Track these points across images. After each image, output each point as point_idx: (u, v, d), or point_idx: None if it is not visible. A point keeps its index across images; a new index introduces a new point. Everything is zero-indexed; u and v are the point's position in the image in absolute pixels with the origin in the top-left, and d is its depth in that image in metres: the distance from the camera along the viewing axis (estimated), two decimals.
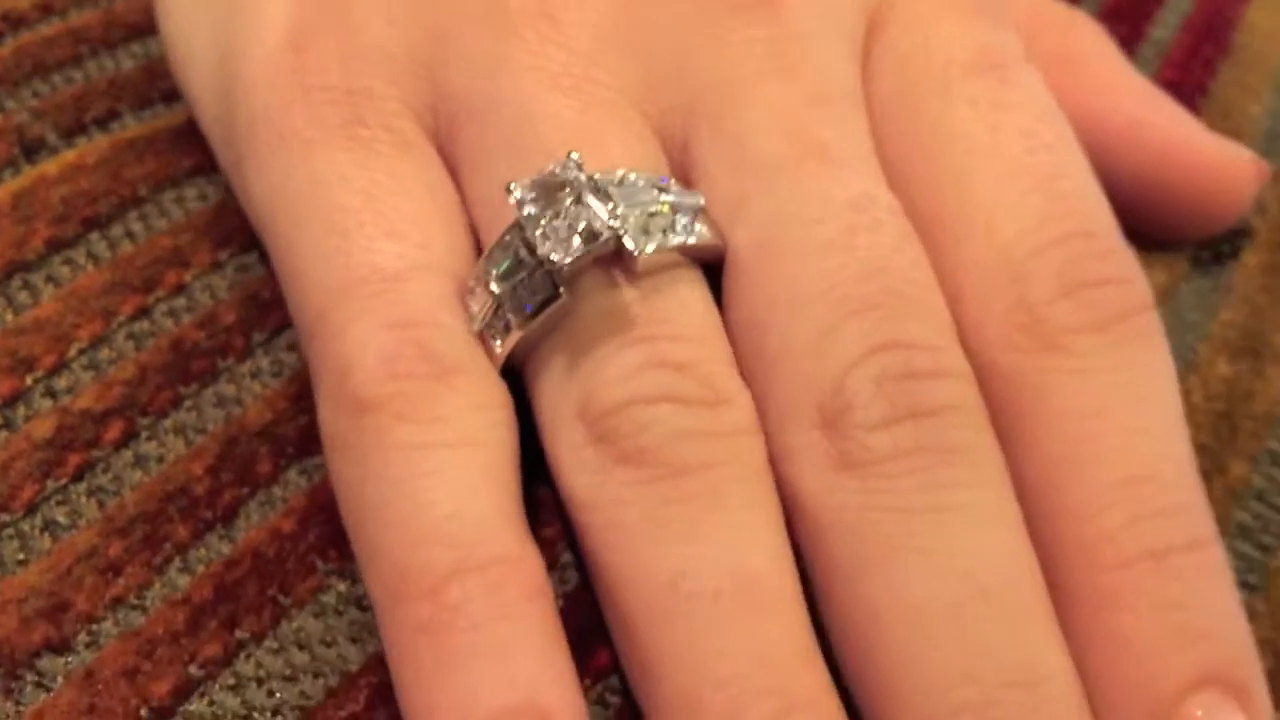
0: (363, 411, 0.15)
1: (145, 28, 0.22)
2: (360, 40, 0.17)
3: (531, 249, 0.15)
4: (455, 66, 0.17)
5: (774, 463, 0.15)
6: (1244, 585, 0.17)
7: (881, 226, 0.16)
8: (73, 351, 0.17)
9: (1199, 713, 0.14)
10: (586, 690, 0.15)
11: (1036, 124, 0.17)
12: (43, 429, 0.16)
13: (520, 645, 0.14)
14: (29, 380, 0.16)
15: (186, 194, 0.19)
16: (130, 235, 0.18)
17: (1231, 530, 0.17)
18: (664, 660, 0.14)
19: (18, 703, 0.13)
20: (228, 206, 0.19)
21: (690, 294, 0.16)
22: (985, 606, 0.14)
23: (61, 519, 0.15)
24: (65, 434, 0.16)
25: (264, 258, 0.18)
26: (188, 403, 0.16)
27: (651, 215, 0.16)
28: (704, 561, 0.14)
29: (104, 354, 0.17)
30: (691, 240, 0.16)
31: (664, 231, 0.16)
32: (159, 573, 0.15)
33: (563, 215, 0.15)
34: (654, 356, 0.15)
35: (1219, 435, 0.18)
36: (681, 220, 0.16)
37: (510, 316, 0.15)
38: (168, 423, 0.16)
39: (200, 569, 0.15)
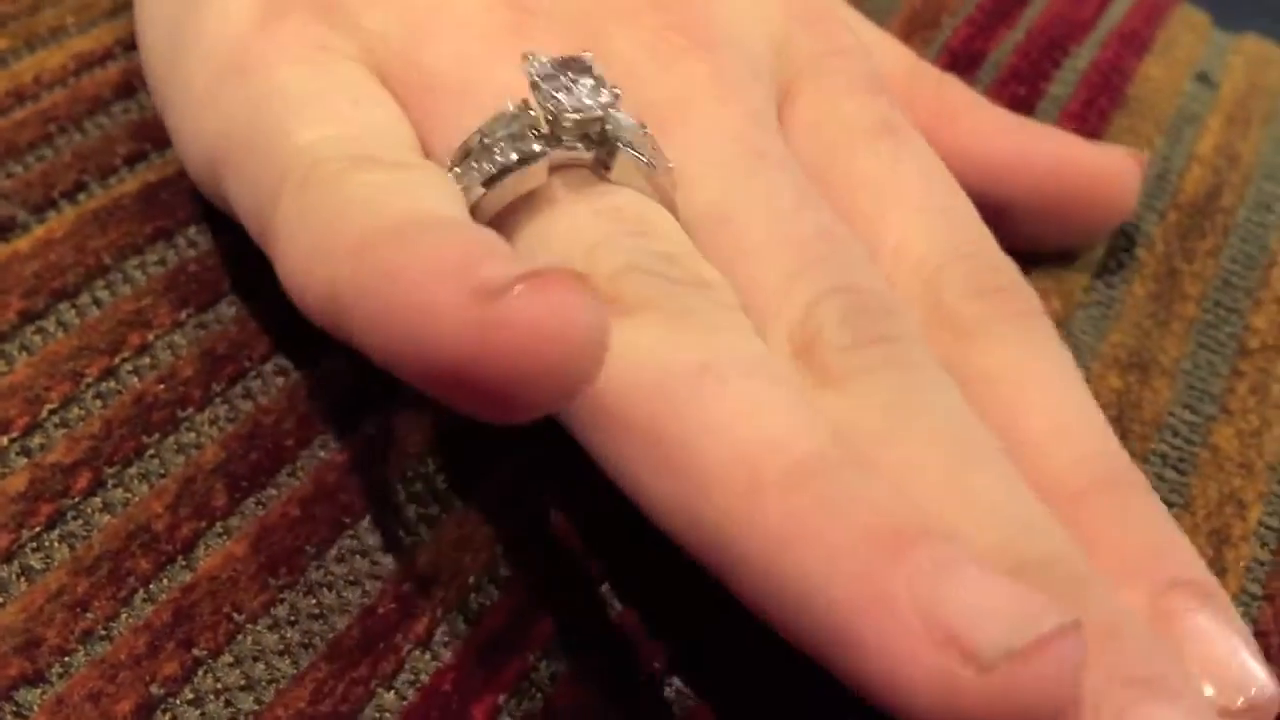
0: (330, 180, 0.16)
1: (108, 98, 0.24)
2: (332, 15, 0.18)
3: (529, 113, 0.17)
4: (428, 50, 0.18)
5: None
6: None
7: (823, 207, 0.18)
8: (44, 412, 0.18)
9: (1179, 604, 0.15)
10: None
11: (929, 173, 0.20)
12: (17, 483, 0.17)
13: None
14: (4, 440, 0.18)
15: (148, 259, 0.21)
16: (96, 302, 0.20)
17: None
18: (706, 433, 0.14)
19: None
20: (186, 269, 0.21)
21: (659, 206, 0.17)
22: (983, 471, 0.15)
23: (35, 564, 0.16)
24: (38, 486, 0.17)
25: (219, 315, 0.20)
26: (150, 451, 0.18)
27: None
28: (728, 351, 0.15)
29: (74, 412, 0.18)
30: (661, 167, 0.17)
31: (638, 151, 0.17)
32: (124, 604, 0.16)
33: (571, 85, 0.17)
34: (647, 246, 0.16)
35: None
36: (649, 149, 0.17)
37: (488, 164, 0.16)
38: (132, 470, 0.18)
39: (162, 597, 0.16)
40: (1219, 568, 0.18)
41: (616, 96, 0.17)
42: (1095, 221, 0.22)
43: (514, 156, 0.16)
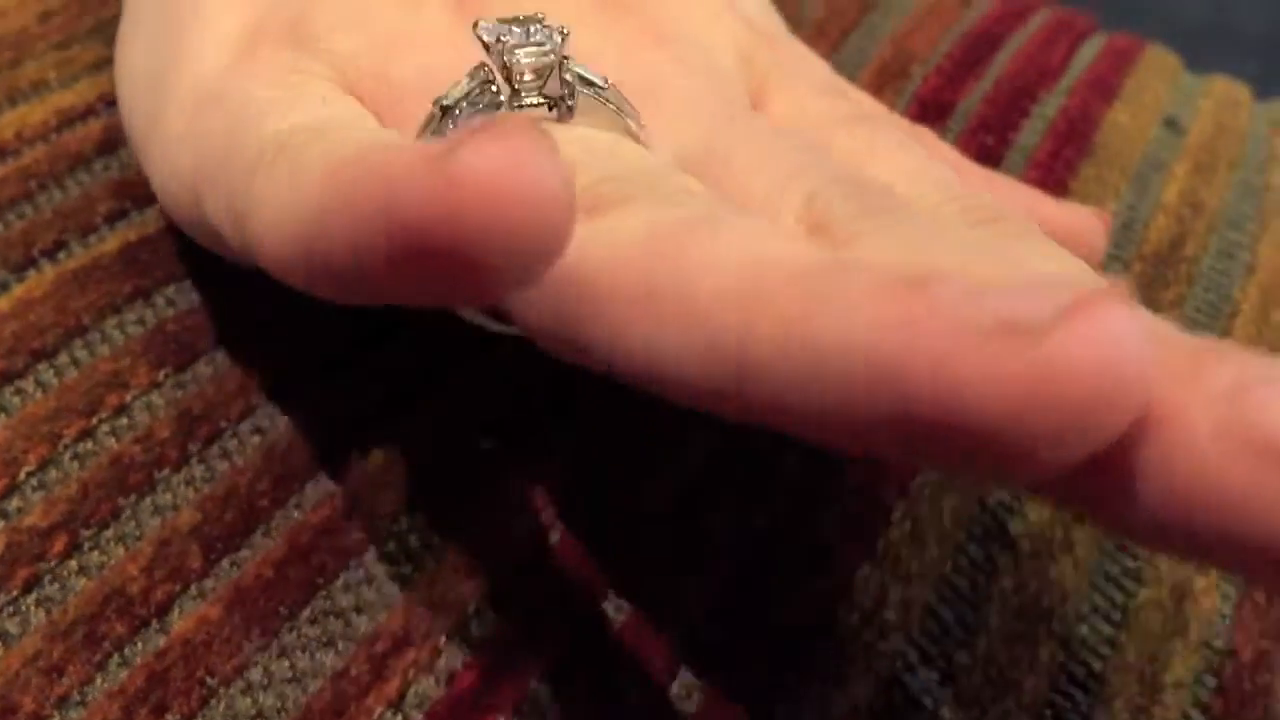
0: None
1: (89, 155, 0.24)
2: (304, 43, 0.19)
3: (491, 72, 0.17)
4: (397, 64, 0.19)
5: None
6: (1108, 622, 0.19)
7: (813, 144, 0.18)
8: (22, 475, 0.18)
9: None
10: None
11: (909, 145, 0.19)
12: None
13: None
14: None
15: (126, 319, 0.21)
16: (75, 362, 0.20)
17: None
18: (704, 268, 0.13)
19: None
20: (164, 329, 0.21)
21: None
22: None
23: (12, 629, 0.17)
24: (14, 550, 0.17)
25: (196, 374, 0.20)
26: (127, 513, 0.18)
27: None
28: (721, 208, 0.15)
29: (51, 475, 0.18)
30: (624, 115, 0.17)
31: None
32: (100, 669, 0.16)
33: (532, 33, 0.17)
34: (623, 166, 0.16)
35: None
36: (613, 95, 0.17)
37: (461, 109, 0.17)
38: (109, 533, 0.18)
39: (137, 661, 0.16)
40: None
41: (565, 35, 0.17)
42: None
43: (479, 102, 0.17)
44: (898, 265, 0.12)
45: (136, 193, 0.23)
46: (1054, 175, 0.27)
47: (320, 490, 0.19)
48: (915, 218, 0.15)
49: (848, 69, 0.29)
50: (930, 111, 0.28)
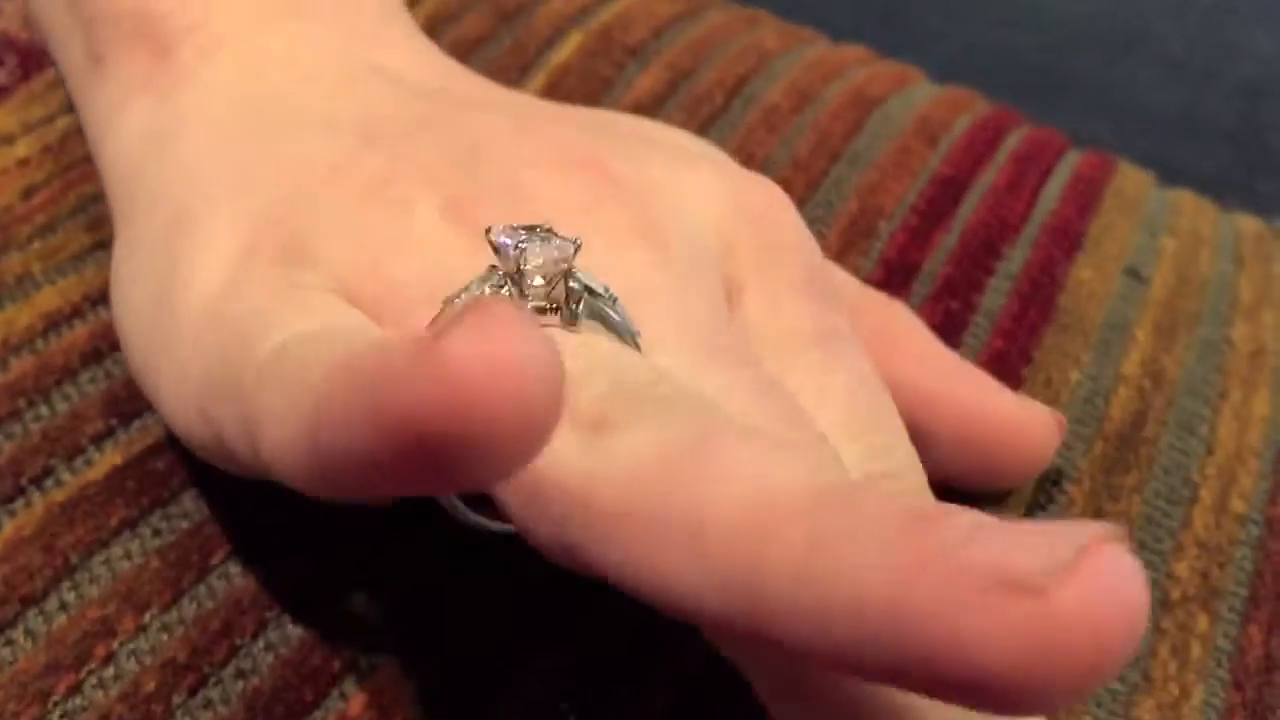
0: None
1: (74, 365, 0.25)
2: (299, 255, 0.19)
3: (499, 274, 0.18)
4: (400, 269, 0.19)
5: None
6: None
7: (783, 402, 0.19)
8: None
9: None
10: None
11: (859, 388, 0.20)
12: None
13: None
14: None
15: (113, 555, 0.22)
16: (64, 606, 0.21)
17: None
18: (714, 489, 0.14)
19: None
20: (149, 565, 0.21)
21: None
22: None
23: None
24: None
25: (181, 614, 0.21)
26: None
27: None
28: (727, 420, 0.16)
29: None
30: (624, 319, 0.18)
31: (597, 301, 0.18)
32: None
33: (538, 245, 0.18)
34: (623, 371, 0.17)
35: None
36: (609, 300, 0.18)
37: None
38: None
39: None
40: None
41: (578, 248, 0.18)
42: (1011, 469, 0.23)
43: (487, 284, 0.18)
44: (902, 498, 0.13)
45: (123, 409, 0.24)
46: (1018, 343, 0.27)
47: None
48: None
49: (816, 226, 0.29)
50: (896, 275, 0.29)
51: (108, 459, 0.23)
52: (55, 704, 0.20)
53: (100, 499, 0.22)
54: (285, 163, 0.21)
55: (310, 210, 0.20)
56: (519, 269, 0.18)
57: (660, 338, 0.19)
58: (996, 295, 0.28)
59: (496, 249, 0.18)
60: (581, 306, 0.18)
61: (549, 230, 0.18)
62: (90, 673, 0.20)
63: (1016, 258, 0.29)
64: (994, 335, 0.27)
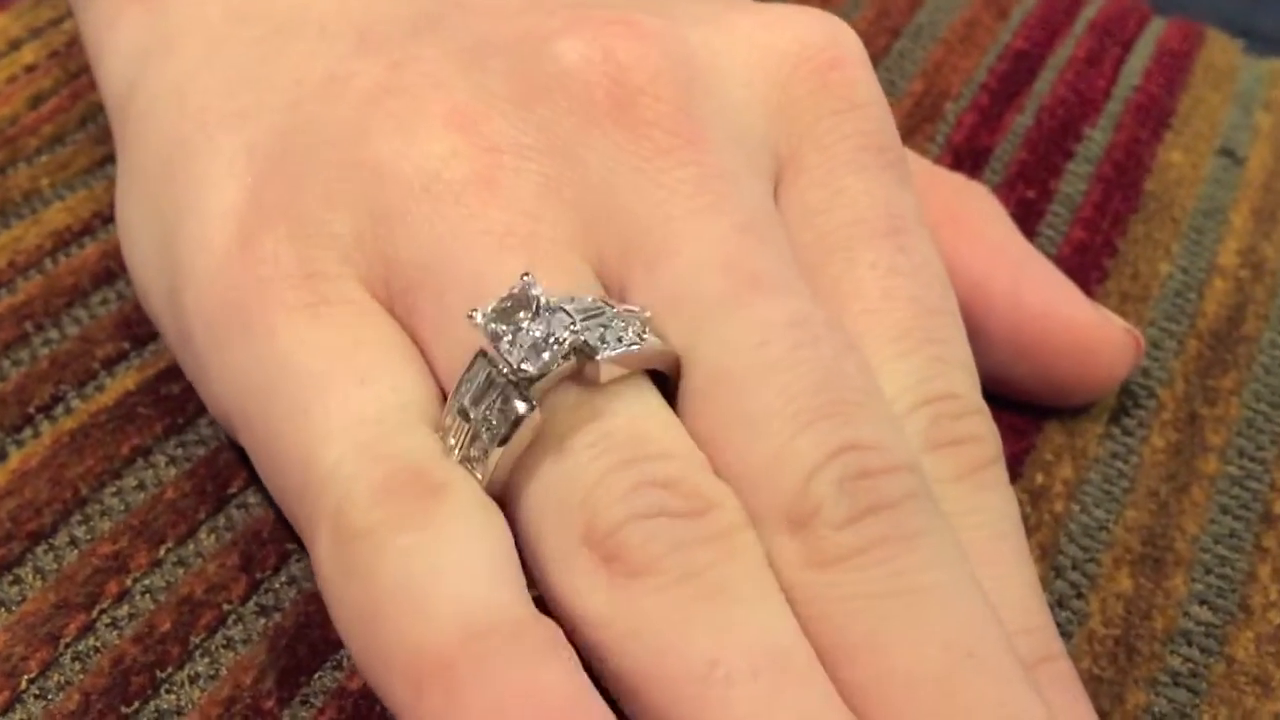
0: (359, 539, 0.16)
1: (85, 286, 0.23)
2: (305, 227, 0.18)
3: (499, 369, 0.16)
4: (403, 241, 0.18)
5: None
6: None
7: (820, 341, 0.17)
8: (24, 684, 0.18)
9: None
10: None
11: (924, 290, 0.19)
12: None
13: (548, 696, 0.14)
14: None
15: (126, 485, 0.20)
16: (74, 542, 0.20)
17: None
18: None
19: None
20: (164, 495, 0.20)
21: (654, 402, 0.17)
22: (972, 670, 0.15)
23: None
24: None
25: (199, 546, 0.20)
26: None
27: (605, 327, 0.17)
28: (736, 645, 0.15)
29: (53, 680, 0.18)
30: (647, 345, 0.17)
31: (619, 340, 0.17)
32: None
33: (527, 330, 0.16)
34: (643, 477, 0.16)
35: (1116, 662, 0.18)
36: (635, 329, 0.17)
37: (486, 440, 0.16)
38: None
39: None
40: None
41: (571, 314, 0.17)
42: (1073, 387, 0.21)
43: (501, 429, 0.16)
44: None
45: (136, 331, 0.23)
46: (1101, 234, 0.25)
47: (330, 683, 0.18)
48: (900, 530, 0.16)
49: None
50: (964, 161, 0.26)
51: (120, 384, 0.22)
52: (66, 646, 0.18)
53: (112, 426, 0.21)
54: (278, 76, 0.20)
55: (306, 148, 0.19)
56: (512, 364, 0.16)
57: (684, 282, 0.17)
58: (1076, 181, 0.26)
59: (491, 340, 0.17)
60: (600, 369, 0.16)
61: (531, 301, 0.17)
62: (103, 612, 0.19)
63: (1098, 139, 0.27)
64: (1074, 225, 0.25)
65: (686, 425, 0.17)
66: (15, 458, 0.21)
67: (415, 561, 0.15)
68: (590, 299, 0.17)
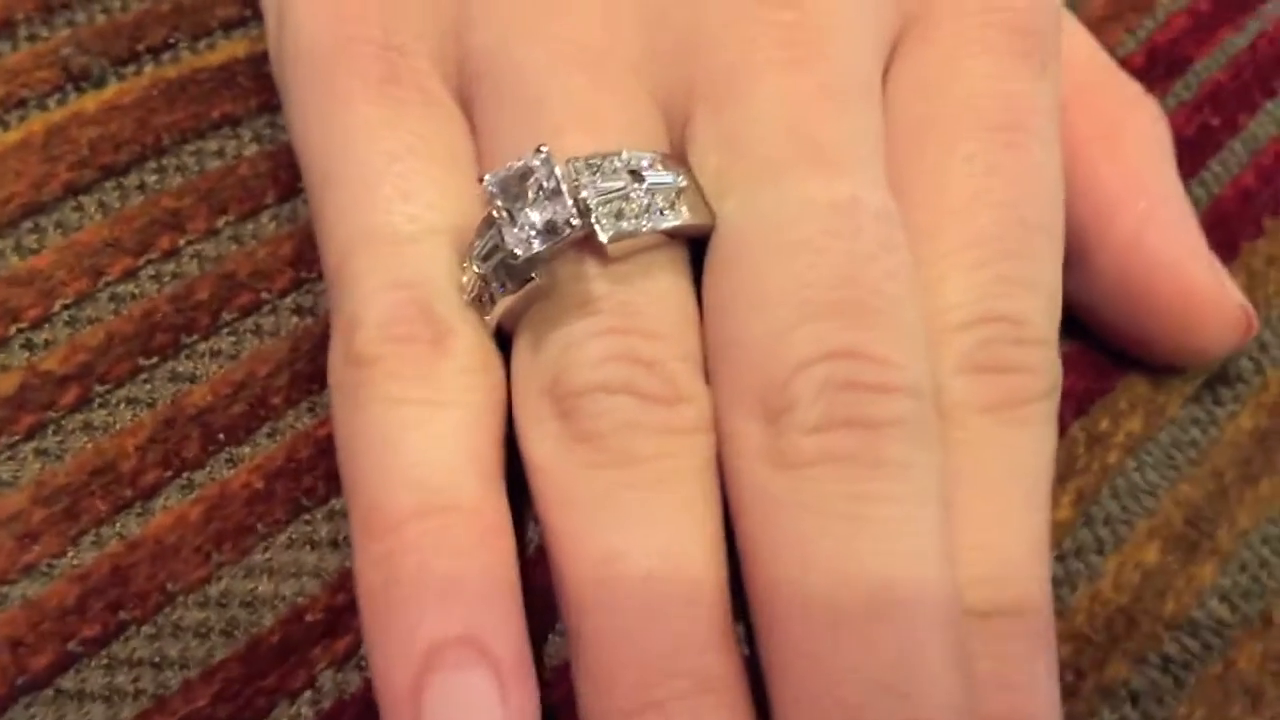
0: (360, 366, 0.16)
1: None
2: None
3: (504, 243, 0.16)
4: (479, 26, 0.18)
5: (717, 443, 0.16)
6: None
7: (861, 233, 0.16)
8: (57, 307, 0.18)
9: None
10: None
11: (1019, 197, 0.17)
12: (7, 385, 0.17)
13: (464, 584, 0.15)
14: (12, 330, 0.18)
15: (207, 147, 0.20)
16: (142, 187, 0.20)
17: None
18: (587, 634, 0.15)
19: None
20: (238, 169, 0.20)
21: (665, 281, 0.17)
22: (882, 620, 0.14)
23: (5, 476, 0.17)
24: (26, 393, 0.17)
25: (257, 229, 0.19)
26: (143, 376, 0.18)
27: (626, 200, 0.16)
28: (638, 544, 0.15)
29: (86, 312, 0.18)
30: (666, 225, 0.16)
31: (638, 216, 0.16)
32: (73, 544, 0.17)
33: (529, 208, 0.16)
34: (621, 349, 0.16)
35: (1111, 629, 0.17)
36: (660, 203, 0.16)
37: (494, 292, 0.16)
38: (121, 393, 0.18)
39: (110, 545, 0.17)
40: None
41: (586, 185, 0.16)
42: (1165, 348, 0.19)
43: (508, 286, 0.16)
44: None
45: (256, 3, 0.22)
46: (1272, 186, 0.23)
47: None
48: (868, 453, 0.15)
49: None
50: (1158, 67, 0.24)
51: (231, 48, 0.21)
52: (106, 284, 0.19)
53: (210, 86, 0.21)
54: None
55: None
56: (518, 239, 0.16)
57: (762, 121, 0.16)
58: (1269, 124, 0.24)
59: (494, 217, 0.16)
60: (604, 234, 0.16)
61: (530, 172, 0.16)
62: (149, 263, 0.19)
63: None
64: (1248, 169, 0.23)
65: (705, 295, 0.17)
66: (111, 89, 0.21)
67: (395, 417, 0.16)
68: (620, 162, 0.16)
